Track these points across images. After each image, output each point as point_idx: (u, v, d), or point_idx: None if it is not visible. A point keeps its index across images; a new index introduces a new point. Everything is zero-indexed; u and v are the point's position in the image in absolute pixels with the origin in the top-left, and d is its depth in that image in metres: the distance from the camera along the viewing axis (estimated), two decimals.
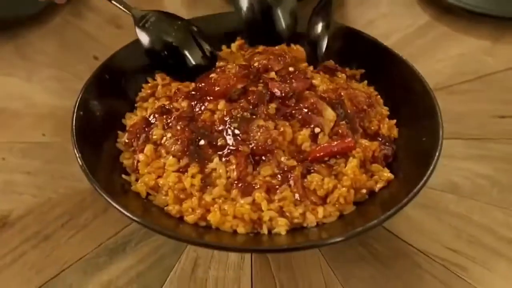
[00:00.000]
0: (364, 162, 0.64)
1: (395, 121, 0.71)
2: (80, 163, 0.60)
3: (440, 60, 0.93)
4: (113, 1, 0.78)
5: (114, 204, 0.57)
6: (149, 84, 0.76)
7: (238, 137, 0.63)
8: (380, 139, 0.68)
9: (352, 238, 0.57)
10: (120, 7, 0.77)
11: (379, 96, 0.75)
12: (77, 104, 0.67)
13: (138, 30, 0.76)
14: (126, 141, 0.68)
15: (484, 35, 0.98)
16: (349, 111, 0.69)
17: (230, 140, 0.63)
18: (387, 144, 0.68)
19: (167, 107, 0.69)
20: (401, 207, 0.57)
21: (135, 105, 0.74)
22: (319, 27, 0.79)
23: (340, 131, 0.66)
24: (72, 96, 0.70)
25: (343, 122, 0.67)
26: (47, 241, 0.68)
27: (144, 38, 0.75)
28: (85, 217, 0.70)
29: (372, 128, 0.69)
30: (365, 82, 0.77)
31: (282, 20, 0.82)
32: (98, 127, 0.68)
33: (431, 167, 0.60)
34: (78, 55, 0.93)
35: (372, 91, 0.76)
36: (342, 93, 0.70)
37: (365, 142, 0.66)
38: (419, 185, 0.58)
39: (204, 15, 0.85)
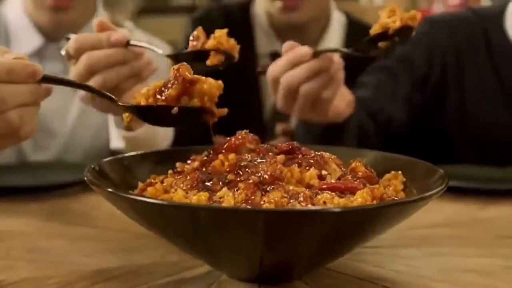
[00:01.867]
0: (373, 200, 0.56)
1: (402, 186, 0.64)
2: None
3: (432, 215, 0.86)
4: None
5: (130, 196, 0.48)
6: None
7: (247, 171, 0.56)
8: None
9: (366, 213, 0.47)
10: None
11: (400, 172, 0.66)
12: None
13: None
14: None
15: (471, 202, 0.93)
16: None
17: (239, 175, 0.56)
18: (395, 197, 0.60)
19: (179, 170, 0.63)
20: (419, 199, 0.49)
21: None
22: None
23: (347, 180, 0.59)
24: None
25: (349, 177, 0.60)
26: None
27: None
28: (82, 284, 0.58)
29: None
30: None
31: None
32: (111, 182, 0.62)
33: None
34: None
35: None
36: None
37: (373, 186, 0.58)
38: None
39: None
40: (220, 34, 0.80)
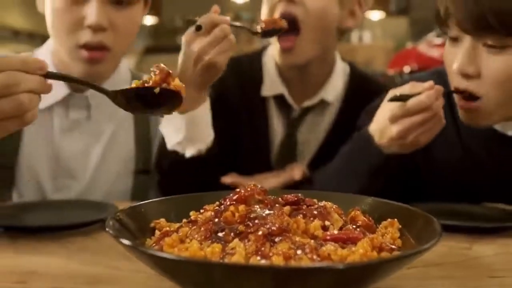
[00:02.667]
0: (372, 250, 0.56)
1: (398, 234, 0.64)
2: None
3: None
4: None
5: (148, 251, 0.49)
6: None
7: (256, 223, 0.57)
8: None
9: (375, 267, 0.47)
10: None
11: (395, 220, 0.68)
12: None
13: None
14: (154, 244, 0.61)
15: (459, 240, 0.93)
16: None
17: (249, 227, 0.57)
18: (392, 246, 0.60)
19: (193, 219, 0.64)
20: (416, 252, 0.49)
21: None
22: None
23: (348, 231, 0.59)
24: None
25: (350, 227, 0.61)
26: None
27: None
28: None
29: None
30: None
31: None
32: (130, 229, 0.62)
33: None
34: None
35: None
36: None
37: (373, 235, 0.59)
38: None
39: None
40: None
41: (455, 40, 1.06)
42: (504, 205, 1.16)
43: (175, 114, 1.09)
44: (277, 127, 1.39)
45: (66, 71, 1.20)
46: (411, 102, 0.98)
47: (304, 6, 1.24)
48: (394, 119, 1.00)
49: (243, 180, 1.22)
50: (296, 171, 1.28)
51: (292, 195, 0.63)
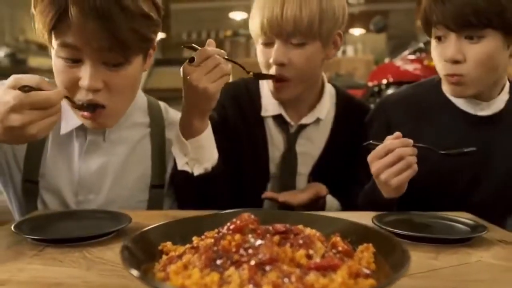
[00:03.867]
0: (350, 276, 0.57)
1: (373, 258, 0.65)
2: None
3: None
4: None
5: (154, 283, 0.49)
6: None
7: (249, 253, 0.58)
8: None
9: None
10: None
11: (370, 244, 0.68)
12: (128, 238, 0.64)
13: None
14: (162, 269, 0.61)
15: (425, 250, 0.93)
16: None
17: (243, 256, 0.58)
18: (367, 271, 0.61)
19: (195, 246, 0.64)
20: (388, 283, 0.50)
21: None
22: None
23: (329, 258, 0.60)
24: None
25: (331, 253, 0.62)
26: None
27: None
28: None
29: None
30: None
31: None
32: (140, 255, 0.63)
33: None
34: None
35: None
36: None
37: (350, 261, 0.60)
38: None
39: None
40: None
41: (439, 39, 1.24)
42: (468, 214, 1.17)
43: (181, 140, 1.15)
44: (277, 141, 1.42)
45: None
46: (379, 146, 1.09)
47: (292, 67, 1.28)
48: (369, 161, 1.10)
49: (277, 195, 1.29)
50: (322, 188, 1.34)
51: (281, 225, 0.64)
